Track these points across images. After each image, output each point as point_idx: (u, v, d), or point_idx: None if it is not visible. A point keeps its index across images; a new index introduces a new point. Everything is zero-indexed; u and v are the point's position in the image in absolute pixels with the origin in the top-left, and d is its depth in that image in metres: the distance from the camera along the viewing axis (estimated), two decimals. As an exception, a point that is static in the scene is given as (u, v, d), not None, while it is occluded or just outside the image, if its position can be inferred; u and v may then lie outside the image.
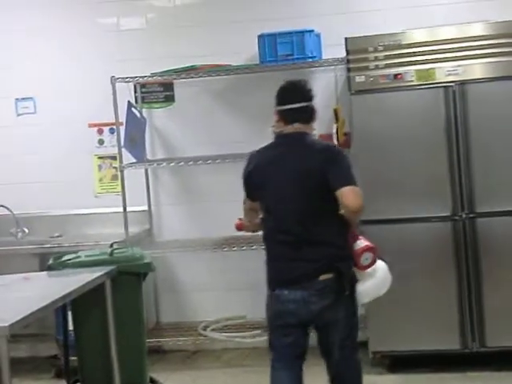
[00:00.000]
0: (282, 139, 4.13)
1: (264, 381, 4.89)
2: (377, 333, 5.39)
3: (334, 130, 5.60)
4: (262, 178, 4.08)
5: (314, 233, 3.96)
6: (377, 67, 5.31)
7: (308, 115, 4.11)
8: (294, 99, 4.08)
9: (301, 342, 4.07)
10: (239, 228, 4.43)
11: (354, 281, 4.02)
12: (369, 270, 4.07)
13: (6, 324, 3.44)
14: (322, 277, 3.93)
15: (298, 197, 3.98)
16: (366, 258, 4.02)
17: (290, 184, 3.99)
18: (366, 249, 4.03)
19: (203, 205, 6.29)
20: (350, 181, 3.91)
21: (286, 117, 4.08)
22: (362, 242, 4.05)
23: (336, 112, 5.65)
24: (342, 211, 3.96)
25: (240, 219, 4.42)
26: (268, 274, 4.08)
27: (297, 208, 3.98)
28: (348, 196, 3.87)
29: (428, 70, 5.27)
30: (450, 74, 5.25)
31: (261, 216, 4.22)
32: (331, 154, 4.00)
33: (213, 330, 6.06)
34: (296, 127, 4.07)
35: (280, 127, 4.13)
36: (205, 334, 6.00)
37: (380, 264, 4.12)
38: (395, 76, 5.30)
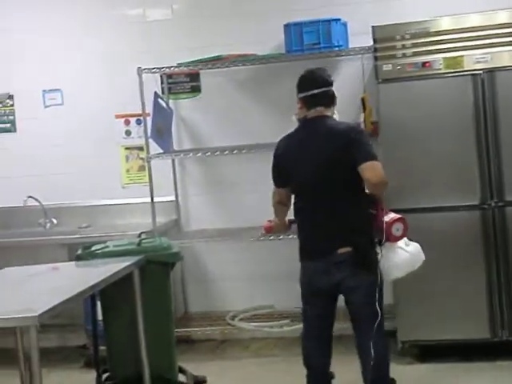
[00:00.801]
0: (306, 123, 4.40)
1: (292, 370, 4.94)
2: (406, 322, 5.37)
3: (362, 119, 5.57)
4: (291, 161, 4.38)
5: (336, 210, 4.26)
6: (404, 55, 5.28)
7: (329, 99, 4.40)
8: (315, 85, 4.37)
9: (328, 313, 4.38)
10: (268, 230, 4.64)
11: (371, 255, 4.25)
12: (401, 242, 4.29)
13: (36, 314, 3.46)
14: (341, 250, 4.22)
15: (324, 176, 4.27)
16: (397, 229, 4.26)
17: (316, 164, 4.29)
18: (397, 219, 4.28)
19: (230, 195, 6.30)
20: (370, 156, 4.19)
21: (308, 102, 4.37)
22: (391, 215, 4.30)
23: (363, 101, 5.63)
24: (366, 188, 4.25)
25: (269, 221, 4.58)
26: (299, 247, 4.40)
27: (323, 187, 4.27)
28: (368, 170, 4.16)
29: (456, 57, 5.23)
30: (478, 62, 5.21)
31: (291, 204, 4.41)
32: (353, 133, 4.27)
33: (241, 319, 6.07)
34: (318, 111, 4.36)
35: (303, 113, 4.41)
36: (233, 324, 6.01)
37: (413, 242, 4.36)
38: (423, 64, 5.27)
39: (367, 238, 4.26)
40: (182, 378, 4.90)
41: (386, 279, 4.36)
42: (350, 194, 4.26)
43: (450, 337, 5.32)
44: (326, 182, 4.27)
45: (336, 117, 4.45)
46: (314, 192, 4.31)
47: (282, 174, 4.43)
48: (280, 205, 4.51)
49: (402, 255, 4.30)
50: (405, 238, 4.33)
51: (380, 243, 4.30)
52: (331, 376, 4.52)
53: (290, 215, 4.55)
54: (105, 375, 4.82)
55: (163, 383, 4.69)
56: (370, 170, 4.16)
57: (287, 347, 5.71)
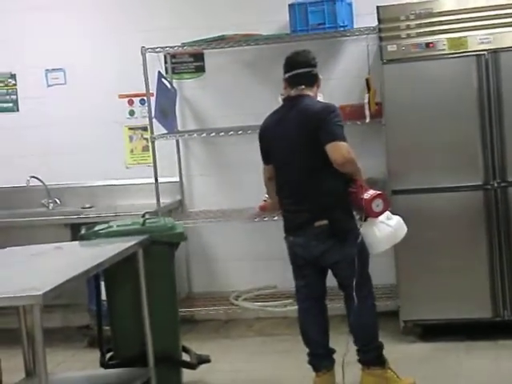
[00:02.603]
0: (286, 102, 4.62)
1: (295, 349, 4.97)
2: (408, 302, 5.39)
3: (366, 100, 5.56)
4: (269, 139, 4.60)
5: (311, 186, 4.44)
6: (409, 36, 5.27)
7: (312, 79, 4.58)
8: (298, 65, 4.56)
9: (317, 282, 4.59)
10: (263, 209, 4.75)
11: (348, 227, 4.43)
12: (382, 217, 4.43)
13: (40, 292, 3.46)
14: (317, 223, 4.41)
15: (298, 154, 4.47)
16: (377, 205, 4.41)
17: (291, 143, 4.48)
18: (376, 196, 4.41)
19: (234, 175, 6.30)
20: (334, 136, 4.36)
21: (291, 82, 4.57)
22: (371, 192, 4.43)
23: (368, 82, 5.61)
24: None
25: (265, 200, 4.67)
26: (283, 223, 4.61)
27: (297, 164, 4.47)
28: (332, 151, 4.34)
29: (460, 38, 5.22)
30: (482, 43, 5.20)
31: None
32: (324, 113, 4.42)
33: (244, 299, 6.09)
34: (299, 89, 4.54)
35: (287, 93, 4.60)
36: (236, 304, 6.03)
37: (395, 216, 4.51)
38: (427, 45, 5.26)
39: (343, 211, 4.44)
40: (185, 357, 4.91)
41: (372, 252, 4.52)
42: (323, 171, 4.41)
43: (452, 316, 5.34)
44: (300, 159, 4.46)
45: (320, 98, 4.66)
46: (289, 169, 4.52)
47: (265, 151, 4.66)
48: (270, 181, 4.69)
49: (385, 229, 4.47)
50: (387, 213, 4.47)
51: (362, 219, 4.47)
52: (332, 351, 4.58)
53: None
54: (108, 355, 4.84)
55: (167, 362, 4.70)
56: (333, 151, 4.33)
57: (290, 327, 5.72)
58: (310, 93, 4.56)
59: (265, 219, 5.77)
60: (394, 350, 4.97)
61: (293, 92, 4.56)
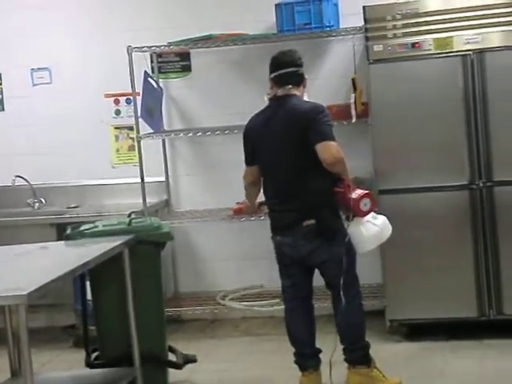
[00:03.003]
0: (273, 102, 4.61)
1: (282, 348, 4.98)
2: (394, 301, 5.40)
3: (352, 100, 5.57)
4: (256, 139, 4.58)
5: (299, 185, 4.44)
6: (395, 36, 5.28)
7: (298, 79, 4.58)
8: (284, 65, 4.56)
9: (303, 282, 4.59)
10: (237, 212, 4.76)
11: (336, 227, 4.45)
12: (369, 217, 4.46)
13: (25, 292, 3.45)
14: (305, 223, 4.42)
15: (285, 154, 4.47)
16: (364, 204, 4.45)
17: (279, 142, 4.48)
18: (363, 195, 4.45)
19: (221, 175, 6.29)
20: (324, 136, 4.37)
21: (277, 81, 4.56)
22: (358, 191, 4.46)
23: (354, 81, 5.62)
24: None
25: (237, 203, 4.69)
26: (270, 223, 4.63)
27: (284, 164, 4.48)
28: (321, 151, 4.35)
29: (446, 38, 5.23)
30: (468, 43, 5.21)
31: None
32: (313, 113, 4.42)
33: (231, 299, 6.09)
34: (286, 89, 4.54)
35: (273, 92, 4.59)
36: (223, 304, 6.03)
37: (380, 215, 4.56)
38: (413, 45, 5.27)
39: (330, 211, 4.45)
40: (172, 357, 4.91)
41: (359, 252, 4.54)
42: (311, 171, 4.42)
43: (437, 316, 5.36)
44: (287, 159, 4.47)
45: (306, 98, 4.63)
46: (277, 169, 4.52)
47: (250, 151, 4.64)
48: (252, 186, 4.73)
49: (372, 229, 4.50)
50: (372, 212, 4.50)
51: (348, 219, 4.50)
52: (318, 351, 4.59)
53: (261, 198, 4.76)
54: (94, 354, 4.82)
55: (153, 362, 4.69)
56: (323, 151, 4.34)
57: (277, 326, 5.71)
58: (296, 92, 4.56)
59: (251, 219, 5.77)
60: (380, 350, 4.98)
61: (279, 92, 4.56)
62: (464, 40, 5.20)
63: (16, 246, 4.67)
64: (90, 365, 4.78)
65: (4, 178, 6.29)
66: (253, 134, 4.62)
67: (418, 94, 5.26)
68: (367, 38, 5.35)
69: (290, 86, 4.54)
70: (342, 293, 4.42)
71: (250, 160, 4.67)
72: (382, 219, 4.55)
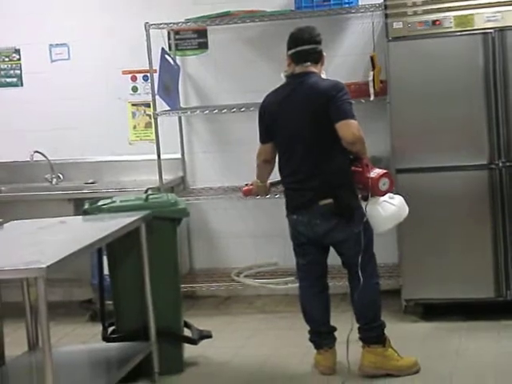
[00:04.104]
0: (291, 79, 4.54)
1: (296, 326, 4.99)
2: (410, 281, 5.39)
3: (371, 78, 5.54)
4: (273, 116, 4.52)
5: (316, 164, 4.41)
6: (415, 13, 5.23)
7: (316, 56, 4.51)
8: (303, 42, 4.49)
9: (318, 261, 4.58)
10: (246, 193, 4.75)
11: (353, 206, 4.41)
12: (386, 196, 4.44)
13: (44, 265, 3.48)
14: (322, 202, 4.38)
15: (304, 132, 4.42)
16: (383, 184, 4.43)
17: (297, 120, 4.43)
18: (382, 175, 4.43)
19: (236, 153, 6.28)
20: (345, 115, 4.32)
21: (295, 58, 4.50)
22: (377, 170, 4.44)
23: (373, 59, 5.59)
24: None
25: (247, 184, 4.66)
26: (285, 201, 4.59)
27: (302, 143, 4.43)
28: (342, 129, 4.30)
29: (467, 15, 5.18)
30: (489, 21, 5.16)
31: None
32: (332, 91, 4.36)
33: (245, 276, 6.09)
34: (305, 66, 4.48)
35: (291, 70, 4.53)
36: (238, 280, 6.03)
37: (396, 195, 4.55)
38: (433, 22, 5.22)
39: (348, 190, 4.42)
40: (187, 332, 4.92)
41: (376, 232, 4.53)
42: (329, 149, 4.39)
43: (454, 296, 5.34)
44: (306, 137, 4.42)
45: (324, 76, 4.57)
46: (294, 147, 4.46)
47: (267, 129, 4.58)
48: (265, 163, 4.67)
49: (389, 208, 4.47)
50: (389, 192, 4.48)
51: (365, 199, 4.46)
52: (333, 329, 4.60)
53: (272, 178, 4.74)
54: (110, 329, 4.85)
55: (169, 337, 4.72)
56: (344, 129, 4.30)
57: (291, 304, 5.73)
58: (315, 70, 4.51)
59: (267, 196, 5.74)
60: (396, 329, 4.97)
61: (297, 69, 4.51)
62: (485, 18, 5.15)
63: (35, 220, 4.71)
64: (106, 339, 4.81)
65: (22, 154, 6.30)
66: (269, 112, 4.57)
67: (438, 73, 5.22)
68: (387, 15, 5.30)
69: (309, 64, 4.49)
70: (359, 272, 4.41)
71: (264, 137, 4.63)
72: (398, 199, 4.53)
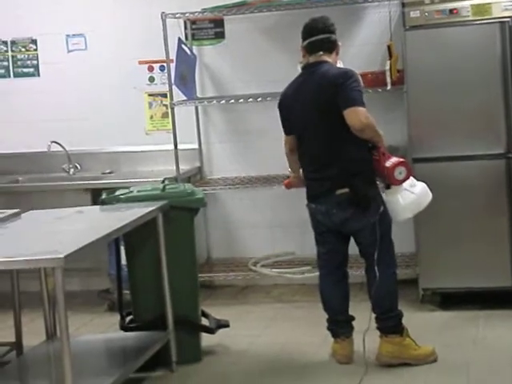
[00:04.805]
0: (305, 69, 4.56)
1: (313, 315, 5.00)
2: (427, 270, 5.38)
3: (388, 67, 5.52)
4: (289, 107, 4.56)
5: (332, 153, 4.42)
6: (432, 2, 5.21)
7: (330, 45, 4.51)
8: (317, 32, 4.50)
9: (338, 249, 4.59)
10: (288, 186, 4.73)
11: (370, 195, 4.38)
12: (406, 184, 4.42)
13: (62, 255, 3.50)
14: (339, 191, 4.39)
15: (317, 121, 4.42)
16: (399, 172, 4.39)
17: (310, 110, 4.44)
18: (398, 163, 4.40)
19: (253, 143, 6.29)
20: (353, 102, 4.29)
21: (309, 48, 4.51)
22: (393, 159, 4.40)
23: (389, 48, 5.57)
24: None
25: (288, 177, 4.65)
26: (306, 190, 4.61)
27: (316, 132, 4.44)
28: (350, 116, 4.29)
29: (484, 4, 5.16)
30: (506, 9, 5.14)
31: None
32: (341, 78, 4.35)
33: (262, 266, 6.10)
34: (318, 56, 4.48)
35: (305, 61, 4.54)
36: (255, 270, 6.04)
37: (419, 182, 4.50)
38: (451, 11, 5.20)
39: (364, 179, 4.40)
40: (204, 322, 4.94)
41: (396, 220, 4.52)
42: (344, 138, 4.37)
43: (471, 285, 5.33)
44: (319, 127, 4.42)
45: (340, 65, 4.59)
46: (310, 137, 4.48)
47: (285, 121, 4.61)
48: (291, 153, 4.67)
49: (409, 197, 4.45)
50: (411, 180, 4.46)
51: (387, 187, 4.46)
52: (351, 318, 4.60)
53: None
54: (128, 318, 4.87)
55: (186, 326, 4.74)
56: (351, 117, 4.28)
57: (308, 294, 5.75)
58: (328, 59, 4.50)
59: (283, 186, 5.76)
60: (413, 318, 4.97)
61: (311, 59, 4.52)
62: (502, 6, 5.13)
63: (53, 209, 4.73)
64: (124, 328, 4.83)
65: (40, 144, 6.32)
66: (285, 105, 4.59)
67: (455, 62, 5.20)
68: (403, 4, 5.28)
69: (321, 53, 4.49)
70: (375, 262, 4.40)
71: (285, 130, 4.66)
72: (420, 187, 4.51)
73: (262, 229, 6.30)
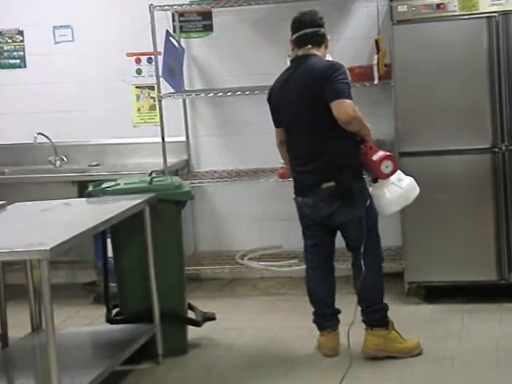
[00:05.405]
0: (293, 62, 4.58)
1: (300, 308, 5.01)
2: (413, 263, 5.41)
3: (375, 61, 5.52)
4: (277, 100, 4.57)
5: (318, 146, 4.41)
6: (419, -4, 5.23)
7: (318, 39, 4.52)
8: (305, 25, 4.51)
9: (325, 243, 4.61)
10: (282, 176, 4.75)
11: (355, 189, 4.39)
12: (393, 178, 4.43)
13: (47, 247, 3.50)
14: (324, 185, 4.40)
15: (305, 114, 4.43)
16: (386, 166, 4.40)
17: (297, 103, 4.45)
18: (384, 157, 4.41)
19: (241, 136, 6.29)
20: (340, 94, 4.29)
21: (298, 42, 4.53)
22: (380, 153, 4.41)
23: (377, 43, 5.57)
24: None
25: (282, 168, 4.64)
26: (293, 183, 4.63)
27: (303, 125, 4.45)
28: (336, 109, 4.29)
29: (471, -1, 5.18)
30: (493, 4, 5.14)
31: None
32: (328, 71, 4.35)
33: (250, 259, 6.11)
34: (306, 49, 4.50)
35: (294, 54, 4.56)
36: (242, 263, 6.05)
37: (407, 177, 4.51)
38: (438, 6, 5.21)
39: (350, 173, 4.40)
40: (191, 314, 4.94)
41: (382, 214, 4.53)
42: (330, 131, 4.38)
43: (456, 278, 5.36)
44: (306, 120, 4.43)
45: (330, 59, 4.60)
46: (297, 130, 4.50)
47: (274, 115, 4.63)
48: (282, 145, 4.67)
49: (396, 191, 4.46)
50: (398, 174, 4.47)
51: (375, 181, 4.48)
52: (337, 311, 4.62)
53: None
54: (114, 311, 4.87)
55: (173, 319, 4.74)
56: (338, 109, 4.28)
57: (295, 287, 5.76)
58: (317, 52, 4.52)
59: (271, 180, 5.78)
60: (399, 312, 5.00)
61: (300, 52, 4.54)
62: (489, 1, 5.13)
63: (39, 202, 4.71)
64: (110, 321, 4.83)
65: (26, 136, 6.30)
66: (274, 96, 4.61)
67: (442, 56, 5.22)
68: (391, -1, 5.30)
69: (310, 46, 4.50)
70: (361, 255, 4.42)
71: (275, 122, 4.67)
72: (407, 181, 4.52)
73: (249, 222, 6.31)
